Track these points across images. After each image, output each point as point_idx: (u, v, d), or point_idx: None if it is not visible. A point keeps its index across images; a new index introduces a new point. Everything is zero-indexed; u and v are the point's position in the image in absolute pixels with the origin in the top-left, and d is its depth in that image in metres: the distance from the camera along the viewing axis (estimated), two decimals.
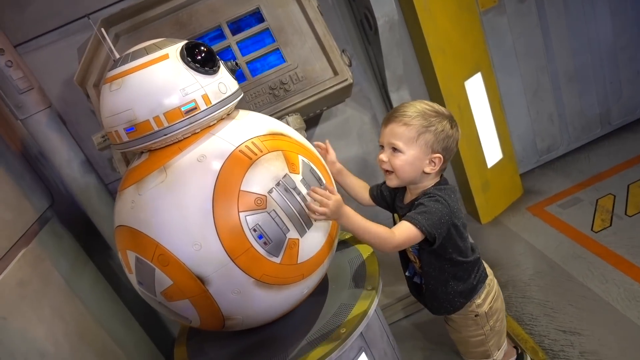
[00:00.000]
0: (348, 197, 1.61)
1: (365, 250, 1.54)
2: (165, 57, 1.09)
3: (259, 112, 1.82)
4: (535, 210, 2.66)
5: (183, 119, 1.08)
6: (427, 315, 2.12)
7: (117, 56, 1.18)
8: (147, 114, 1.07)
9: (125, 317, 2.17)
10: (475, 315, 1.50)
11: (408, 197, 1.47)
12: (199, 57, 1.10)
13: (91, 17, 2.00)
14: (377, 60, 2.32)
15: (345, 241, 1.63)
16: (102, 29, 1.25)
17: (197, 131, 1.13)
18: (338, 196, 1.17)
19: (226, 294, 1.09)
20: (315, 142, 1.49)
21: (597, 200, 2.53)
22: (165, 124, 1.07)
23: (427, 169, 1.35)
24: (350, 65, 1.91)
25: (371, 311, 1.30)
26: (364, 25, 2.24)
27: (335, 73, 1.83)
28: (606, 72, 2.87)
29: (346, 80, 1.82)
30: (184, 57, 1.09)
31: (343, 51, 1.90)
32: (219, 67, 1.15)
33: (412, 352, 2.02)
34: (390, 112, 1.40)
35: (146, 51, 1.10)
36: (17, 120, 1.84)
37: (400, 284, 2.25)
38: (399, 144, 1.33)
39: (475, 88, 2.49)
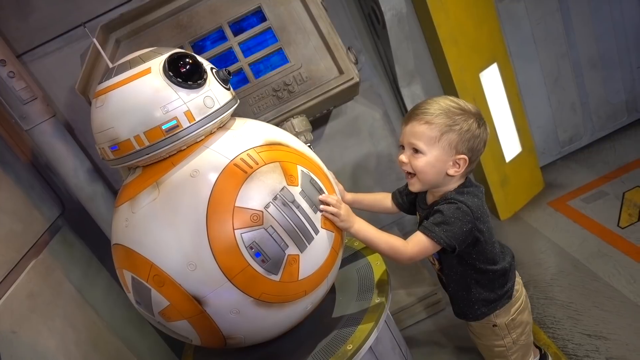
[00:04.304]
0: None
1: (373, 259, 1.49)
2: (147, 71, 1.04)
3: (263, 114, 1.80)
4: (557, 205, 2.55)
5: (164, 137, 1.03)
6: (451, 314, 2.06)
7: (111, 65, 1.14)
8: (128, 133, 1.03)
9: (139, 322, 2.17)
10: (494, 325, 1.42)
11: (430, 198, 1.38)
12: (183, 70, 1.04)
13: (92, 22, 1.98)
14: (386, 55, 2.24)
15: (353, 249, 1.58)
16: (96, 40, 1.21)
17: (183, 148, 1.08)
18: (347, 205, 1.21)
19: (225, 314, 1.05)
20: None
21: (623, 194, 2.40)
22: (147, 143, 1.03)
23: (451, 171, 1.25)
24: (356, 63, 1.83)
25: (380, 324, 1.24)
26: (372, 19, 2.16)
27: (341, 72, 1.76)
28: (632, 56, 2.71)
29: (352, 79, 1.75)
30: (166, 71, 1.03)
31: (349, 49, 1.83)
32: (205, 79, 1.08)
33: (429, 358, 1.96)
34: (411, 110, 1.30)
35: (130, 65, 1.05)
36: (22, 131, 1.83)
37: (419, 284, 2.19)
38: (420, 144, 1.23)
39: (492, 79, 2.38)
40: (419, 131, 1.23)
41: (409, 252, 1.22)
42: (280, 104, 1.78)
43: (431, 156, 1.23)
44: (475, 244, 1.28)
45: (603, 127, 2.86)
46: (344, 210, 1.18)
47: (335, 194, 1.23)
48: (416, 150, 1.25)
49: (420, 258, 1.25)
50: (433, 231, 1.21)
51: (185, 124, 1.04)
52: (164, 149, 1.05)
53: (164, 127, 1.02)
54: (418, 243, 1.22)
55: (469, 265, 1.33)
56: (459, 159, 1.23)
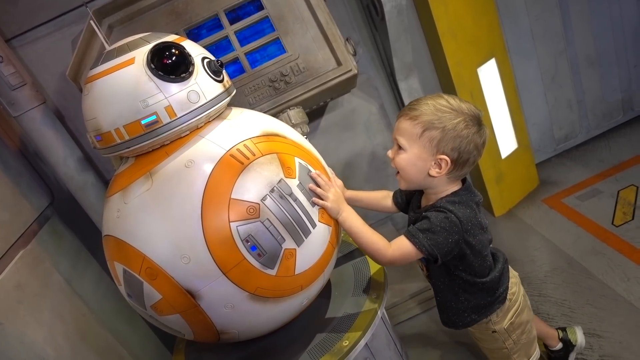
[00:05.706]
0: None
1: None
2: (131, 61, 0.99)
3: (259, 105, 1.76)
4: (551, 202, 2.55)
5: (144, 132, 1.00)
6: None
7: (108, 47, 1.09)
8: (109, 125, 1.00)
9: (129, 314, 2.14)
10: (493, 332, 1.38)
11: (424, 202, 1.34)
12: (167, 62, 0.99)
13: (85, 8, 1.92)
14: (384, 48, 2.21)
15: (349, 244, 1.55)
16: (92, 21, 1.17)
17: (166, 143, 1.05)
18: (339, 191, 1.18)
19: (219, 309, 1.02)
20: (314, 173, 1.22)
21: (618, 192, 2.41)
22: (127, 137, 1.00)
23: (432, 172, 1.19)
24: (355, 54, 1.80)
25: (376, 320, 1.23)
26: (371, 11, 2.12)
27: (339, 63, 1.73)
28: (630, 55, 2.71)
29: (350, 70, 1.72)
30: (148, 63, 0.98)
31: (347, 39, 1.80)
32: (191, 72, 1.02)
33: (423, 355, 1.95)
34: (404, 106, 1.26)
35: (116, 53, 1.01)
36: (10, 117, 1.78)
37: (413, 279, 2.18)
38: (402, 141, 1.19)
39: (489, 75, 2.36)
40: (403, 127, 1.19)
41: (389, 255, 1.18)
42: (277, 95, 1.75)
43: (412, 153, 1.19)
44: (462, 257, 1.23)
45: (599, 125, 2.87)
46: (333, 194, 1.15)
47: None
48: (400, 147, 1.21)
49: (400, 263, 1.20)
50: (417, 237, 1.16)
51: (165, 119, 1.00)
52: (144, 143, 1.01)
53: (143, 122, 0.99)
54: (400, 247, 1.18)
55: (456, 276, 1.28)
56: (441, 159, 1.17)
